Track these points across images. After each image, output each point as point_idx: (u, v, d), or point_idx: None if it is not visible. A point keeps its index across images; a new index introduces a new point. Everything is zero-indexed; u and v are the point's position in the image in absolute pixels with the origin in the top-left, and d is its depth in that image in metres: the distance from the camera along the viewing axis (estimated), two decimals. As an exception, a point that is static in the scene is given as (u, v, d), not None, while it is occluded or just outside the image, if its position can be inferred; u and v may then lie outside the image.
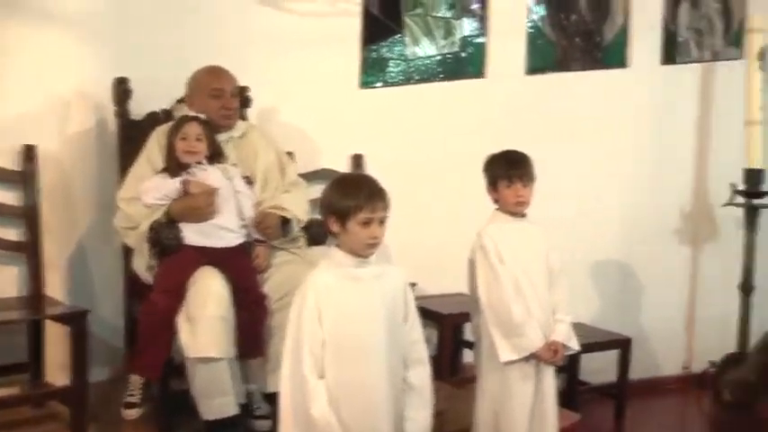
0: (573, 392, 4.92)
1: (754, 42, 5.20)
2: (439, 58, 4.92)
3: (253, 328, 3.51)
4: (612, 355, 5.13)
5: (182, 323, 3.39)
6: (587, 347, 4.64)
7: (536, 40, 5.15)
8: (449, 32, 4.92)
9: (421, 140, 4.88)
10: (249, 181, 3.79)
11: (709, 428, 4.01)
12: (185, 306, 3.41)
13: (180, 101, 3.93)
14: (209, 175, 3.58)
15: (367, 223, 2.59)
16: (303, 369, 2.55)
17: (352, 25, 4.69)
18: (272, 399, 3.31)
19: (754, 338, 5.22)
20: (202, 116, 3.62)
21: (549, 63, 5.21)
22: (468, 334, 4.46)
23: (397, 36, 4.79)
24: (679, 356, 5.83)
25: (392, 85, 4.83)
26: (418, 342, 2.83)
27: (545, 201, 3.57)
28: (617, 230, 5.50)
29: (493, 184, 3.47)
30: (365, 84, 4.76)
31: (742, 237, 5.30)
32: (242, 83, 4.02)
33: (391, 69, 4.81)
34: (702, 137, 5.74)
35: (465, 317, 3.94)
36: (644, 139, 5.54)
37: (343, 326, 2.61)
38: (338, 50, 4.65)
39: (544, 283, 3.47)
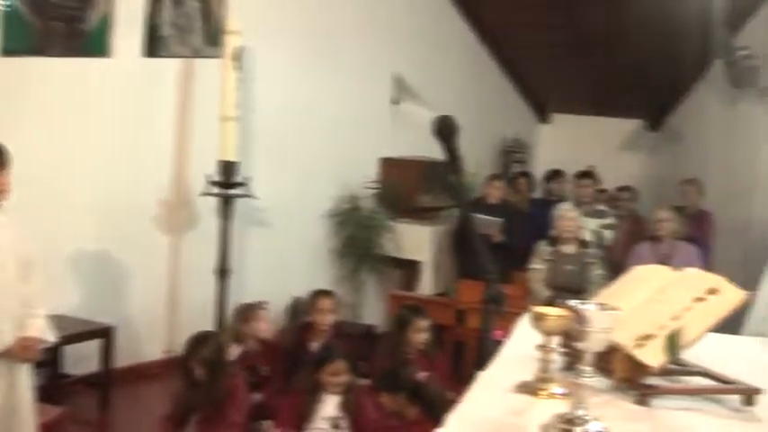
0: (55, 386, 4.82)
1: (230, 43, 5.54)
2: None
3: None
4: (96, 345, 5.12)
5: None
6: (68, 339, 4.59)
7: (12, 21, 4.88)
8: None
9: None
10: None
11: (177, 406, 4.19)
12: None
13: None
14: None
15: None
16: None
17: None
18: None
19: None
20: None
21: (25, 46, 4.97)
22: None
23: None
24: (162, 341, 6.01)
25: None
26: None
27: (18, 189, 3.43)
28: (95, 219, 5.47)
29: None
30: None
31: (218, 224, 5.61)
32: None
33: None
34: (182, 129, 5.96)
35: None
36: (124, 129, 5.59)
37: None
38: None
39: (17, 275, 3.35)
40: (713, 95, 9.05)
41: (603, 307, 1.64)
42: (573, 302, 1.66)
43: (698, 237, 7.22)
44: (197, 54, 5.94)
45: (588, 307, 1.63)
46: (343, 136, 7.15)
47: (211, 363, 4.11)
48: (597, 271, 6.21)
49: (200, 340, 4.22)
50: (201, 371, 4.08)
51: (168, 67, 5.82)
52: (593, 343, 1.61)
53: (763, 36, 7.63)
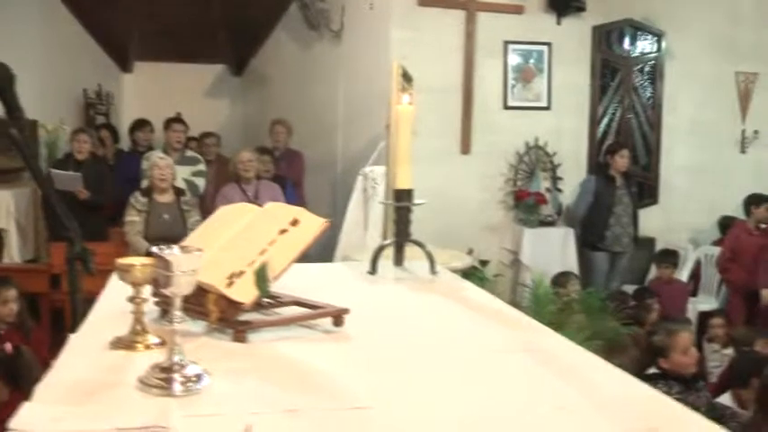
0: None
1: None
2: None
3: None
4: None
5: None
6: None
7: None
8: None
9: None
10: None
11: None
12: None
13: None
14: None
15: None
16: None
17: None
18: None
19: None
20: None
21: None
22: None
23: None
24: None
25: None
26: None
27: None
28: None
29: None
30: None
31: None
32: None
33: None
34: None
35: None
36: None
37: None
38: None
39: None
40: (291, 38, 9.39)
41: (186, 249, 1.60)
42: (154, 248, 1.61)
43: (290, 175, 7.53)
44: None
45: (170, 251, 1.58)
46: None
47: None
48: (194, 218, 6.21)
49: None
50: None
51: None
52: (180, 287, 1.57)
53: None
